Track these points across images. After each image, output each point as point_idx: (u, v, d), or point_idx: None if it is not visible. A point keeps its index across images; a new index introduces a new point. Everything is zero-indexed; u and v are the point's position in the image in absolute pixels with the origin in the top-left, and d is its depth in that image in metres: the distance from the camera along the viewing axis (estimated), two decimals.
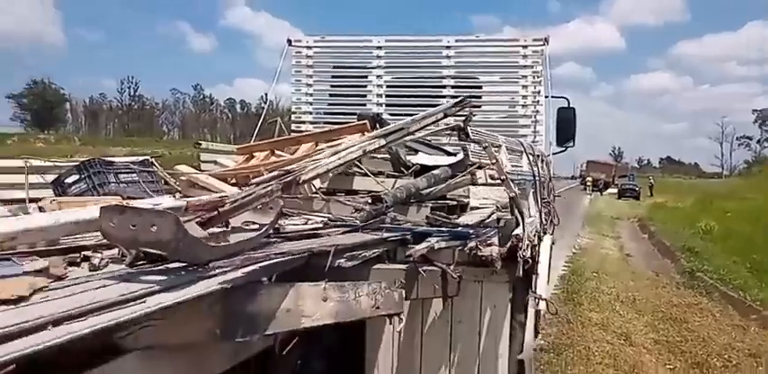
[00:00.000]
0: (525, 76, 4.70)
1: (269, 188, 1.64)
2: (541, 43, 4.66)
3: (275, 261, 1.38)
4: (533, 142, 4.56)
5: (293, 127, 4.99)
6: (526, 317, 2.62)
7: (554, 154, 5.57)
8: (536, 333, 4.86)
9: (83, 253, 1.29)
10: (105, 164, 2.89)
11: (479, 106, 4.88)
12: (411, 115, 3.93)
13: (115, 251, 1.31)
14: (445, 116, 2.05)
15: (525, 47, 4.69)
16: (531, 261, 2.15)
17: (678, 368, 4.72)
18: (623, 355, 4.85)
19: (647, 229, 16.10)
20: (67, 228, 1.19)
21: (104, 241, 1.36)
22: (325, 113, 5.04)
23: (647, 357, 4.92)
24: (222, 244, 1.34)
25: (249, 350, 1.53)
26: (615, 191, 38.88)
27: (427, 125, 2.02)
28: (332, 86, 5.13)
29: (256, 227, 1.66)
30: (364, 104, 4.96)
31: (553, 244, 5.10)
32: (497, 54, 4.80)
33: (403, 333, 1.99)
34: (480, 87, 4.93)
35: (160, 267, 1.22)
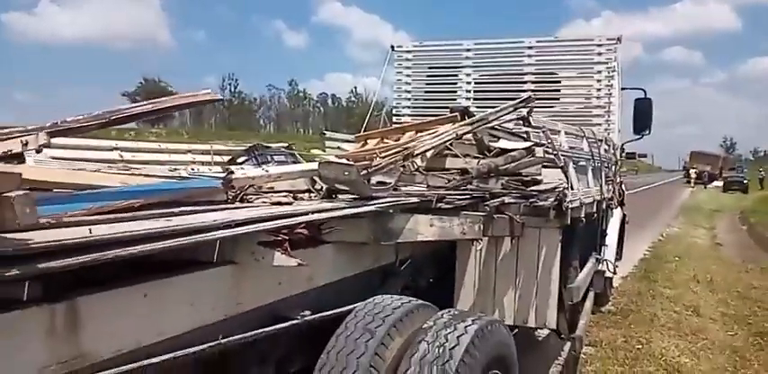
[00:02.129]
0: (600, 72, 5.31)
1: (395, 157, 2.57)
2: (614, 42, 5.24)
3: (403, 200, 2.30)
4: (606, 130, 5.18)
5: (394, 119, 5.93)
6: (579, 270, 3.42)
7: (627, 142, 6.12)
8: (606, 300, 5.52)
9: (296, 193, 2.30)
10: (265, 148, 3.98)
11: (558, 98, 5.56)
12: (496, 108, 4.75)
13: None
14: (515, 109, 2.89)
15: (600, 46, 5.30)
16: (585, 218, 2.93)
17: (740, 335, 5.15)
18: (687, 322, 5.35)
19: (748, 222, 15.55)
20: (303, 173, 2.19)
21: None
22: (422, 107, 5.92)
23: (711, 325, 5.37)
24: (374, 187, 2.29)
25: (388, 256, 2.47)
26: (721, 183, 36.64)
27: (502, 115, 2.86)
28: (427, 84, 6.00)
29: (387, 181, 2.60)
30: (455, 99, 5.78)
31: (626, 220, 5.71)
32: (574, 52, 5.44)
33: (482, 261, 2.86)
34: (559, 82, 5.58)
35: (344, 197, 2.19)
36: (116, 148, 2.95)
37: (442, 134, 2.77)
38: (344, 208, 1.99)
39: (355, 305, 1.94)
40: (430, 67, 5.97)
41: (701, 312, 5.78)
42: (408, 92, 5.90)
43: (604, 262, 4.22)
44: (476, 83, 5.72)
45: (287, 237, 1.62)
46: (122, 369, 1.19)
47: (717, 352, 4.64)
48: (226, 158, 3.94)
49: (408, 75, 5.90)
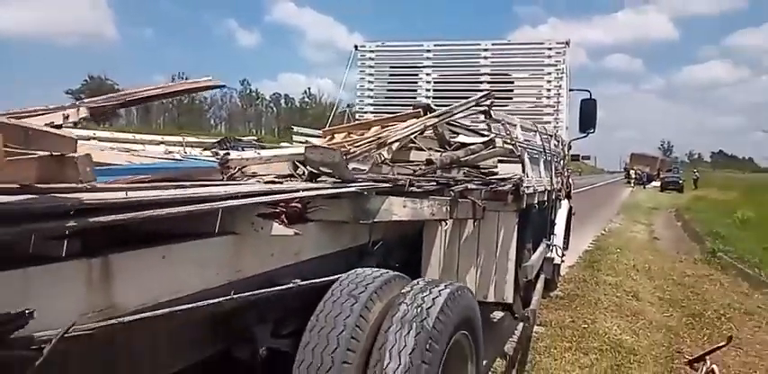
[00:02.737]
0: (549, 73, 5.70)
1: (370, 146, 2.79)
2: (563, 46, 5.65)
3: (375, 184, 2.52)
4: (555, 127, 5.58)
5: (357, 116, 6.15)
6: (533, 251, 3.73)
7: (574, 139, 6.56)
8: (553, 286, 5.91)
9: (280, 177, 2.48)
10: (236, 141, 4.11)
11: (511, 98, 5.92)
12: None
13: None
14: (477, 104, 3.16)
15: (550, 49, 5.70)
16: (538, 205, 3.23)
17: (674, 316, 5.65)
18: (628, 305, 5.82)
19: (682, 218, 16.62)
20: (291, 156, 2.37)
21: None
22: (383, 105, 6.17)
23: (649, 308, 5.87)
24: (353, 171, 2.50)
25: (362, 237, 2.69)
26: (659, 184, 38.77)
27: (464, 109, 3.13)
28: (388, 83, 6.26)
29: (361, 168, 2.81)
30: (415, 97, 6.05)
31: (572, 211, 6.12)
32: (526, 55, 5.82)
33: (447, 242, 3.12)
34: (512, 82, 5.95)
35: (327, 179, 2.39)
36: (94, 138, 3.02)
37: (411, 126, 3.01)
38: (329, 188, 2.20)
39: (339, 275, 2.15)
40: (391, 67, 6.22)
41: (639, 297, 6.29)
42: (371, 90, 6.14)
43: (554, 248, 4.58)
44: (435, 82, 6.02)
45: (284, 210, 1.81)
46: (144, 316, 1.35)
47: (654, 331, 5.09)
48: (198, 150, 4.05)
49: (371, 74, 6.14)
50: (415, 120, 3.92)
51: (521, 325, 4.35)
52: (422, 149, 4.12)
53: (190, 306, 1.46)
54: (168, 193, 1.39)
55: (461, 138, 4.29)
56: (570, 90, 6.46)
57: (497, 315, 4.60)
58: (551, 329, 4.66)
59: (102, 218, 1.16)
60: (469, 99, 3.23)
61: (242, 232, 1.81)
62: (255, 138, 4.40)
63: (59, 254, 1.25)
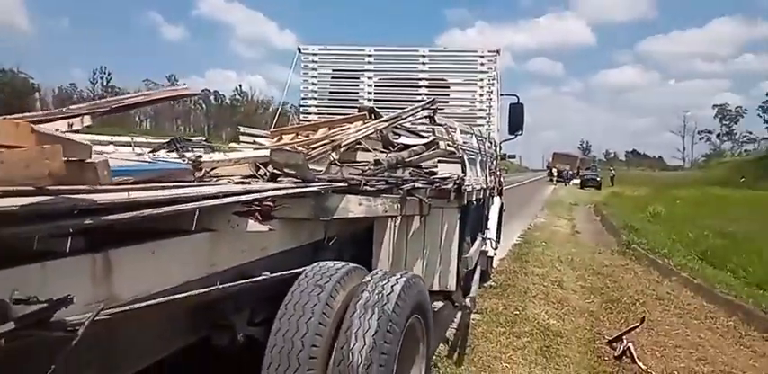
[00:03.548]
0: (482, 79, 6.09)
1: (326, 148, 2.98)
2: (494, 54, 6.06)
3: (333, 184, 2.72)
4: (488, 130, 5.97)
5: (301, 116, 6.29)
6: (472, 244, 4.05)
7: (504, 140, 7.02)
8: (487, 277, 6.33)
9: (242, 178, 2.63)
10: (186, 141, 4.17)
11: (447, 102, 6.26)
12: (394, 108, 5.30)
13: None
14: (422, 109, 3.43)
15: (482, 56, 6.08)
16: (476, 202, 3.53)
17: (595, 302, 6.22)
18: (554, 294, 6.34)
19: (600, 213, 17.86)
20: (257, 158, 2.52)
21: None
22: (327, 106, 6.34)
23: (572, 296, 6.41)
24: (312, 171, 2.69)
25: (318, 233, 2.88)
26: (579, 181, 41.15)
27: (412, 114, 3.39)
28: (331, 85, 6.43)
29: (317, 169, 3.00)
30: (357, 100, 6.26)
31: (503, 207, 6.56)
32: (461, 61, 6.18)
33: (396, 237, 3.37)
34: (448, 87, 6.29)
35: (288, 179, 2.56)
36: None
37: (364, 129, 3.23)
38: (294, 187, 2.38)
39: (304, 268, 2.33)
40: (334, 70, 6.40)
41: (564, 285, 6.84)
42: (315, 91, 6.29)
43: (488, 241, 4.95)
44: (376, 85, 6.26)
45: (258, 208, 1.98)
46: (140, 306, 1.50)
47: (577, 316, 5.60)
48: (146, 150, 4.07)
49: (314, 77, 6.29)
50: (362, 124, 4.14)
51: (459, 313, 4.70)
52: (367, 150, 4.35)
53: (180, 295, 1.61)
54: (160, 194, 1.54)
55: (403, 140, 4.55)
56: (501, 95, 6.90)
57: (438, 304, 4.91)
58: (486, 316, 5.03)
59: (111, 217, 1.30)
60: (417, 104, 3.50)
61: (219, 229, 1.96)
62: (203, 138, 4.46)
63: (65, 250, 1.38)
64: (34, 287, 1.24)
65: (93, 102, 1.72)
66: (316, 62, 6.27)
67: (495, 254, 5.79)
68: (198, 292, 1.64)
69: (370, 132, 3.24)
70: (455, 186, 3.25)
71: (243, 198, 1.90)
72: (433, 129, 3.56)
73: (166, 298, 1.49)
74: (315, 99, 6.29)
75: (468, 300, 3.82)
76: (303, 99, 6.29)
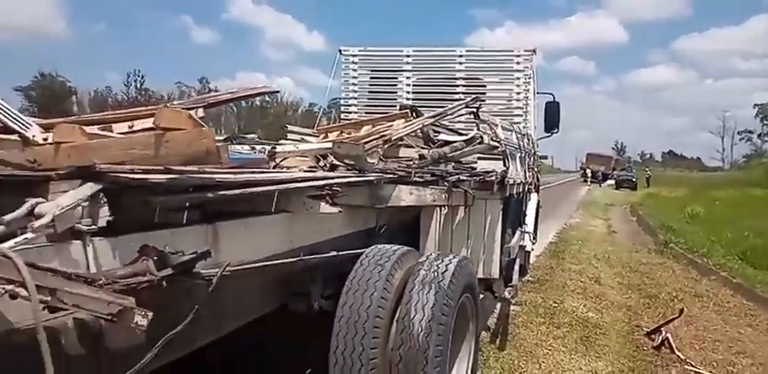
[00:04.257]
0: (518, 78, 6.24)
1: (377, 142, 3.22)
2: (531, 53, 6.21)
3: (386, 175, 2.95)
4: (524, 127, 6.11)
5: (342, 116, 6.55)
6: (513, 235, 4.22)
7: (540, 138, 7.13)
8: (525, 271, 6.46)
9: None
10: (242, 138, 4.45)
11: (484, 100, 6.43)
12: (432, 107, 5.51)
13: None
14: (466, 106, 3.63)
15: (519, 56, 6.24)
16: (516, 196, 3.70)
17: (632, 298, 6.28)
18: (591, 289, 6.43)
19: (637, 213, 17.65)
20: (321, 150, 2.77)
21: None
22: (366, 105, 6.59)
23: (610, 291, 6.49)
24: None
25: (371, 221, 3.10)
26: (614, 182, 40.50)
27: (455, 111, 3.60)
28: (370, 85, 6.67)
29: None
30: (395, 99, 6.49)
31: (540, 204, 6.70)
32: (497, 61, 6.35)
33: (441, 227, 3.57)
34: (484, 86, 6.46)
35: (349, 169, 2.80)
36: None
37: (410, 125, 3.45)
38: (353, 176, 2.61)
39: (363, 249, 2.56)
40: (373, 70, 6.65)
41: (601, 282, 6.91)
42: (355, 91, 6.54)
43: (526, 235, 5.09)
44: (414, 85, 6.48)
45: (329, 192, 2.22)
46: (241, 267, 1.74)
47: (615, 310, 5.69)
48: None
49: (354, 77, 6.54)
50: (405, 121, 4.37)
51: (499, 304, 4.87)
52: (410, 146, 4.57)
53: (273, 262, 1.86)
54: (258, 176, 1.79)
55: (443, 136, 4.76)
56: (537, 93, 7.03)
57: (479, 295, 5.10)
58: (526, 307, 5.18)
59: (228, 192, 1.55)
60: (460, 102, 3.70)
61: (295, 210, 2.20)
62: (256, 135, 4.75)
63: (182, 220, 1.63)
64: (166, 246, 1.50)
65: (195, 97, 1.99)
66: (356, 63, 6.52)
67: (532, 249, 5.93)
68: (287, 261, 1.88)
69: (417, 128, 3.46)
70: (498, 178, 3.44)
71: (317, 183, 2.14)
72: (476, 124, 3.75)
73: (263, 264, 1.73)
74: (355, 98, 6.54)
75: (507, 291, 3.99)
76: (344, 99, 6.55)
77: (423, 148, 4.57)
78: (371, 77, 6.66)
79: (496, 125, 3.95)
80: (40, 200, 1.17)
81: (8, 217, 1.09)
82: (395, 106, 6.38)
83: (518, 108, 6.25)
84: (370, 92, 6.68)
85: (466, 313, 2.70)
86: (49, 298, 0.93)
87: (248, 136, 4.92)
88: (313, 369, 3.05)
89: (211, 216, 1.73)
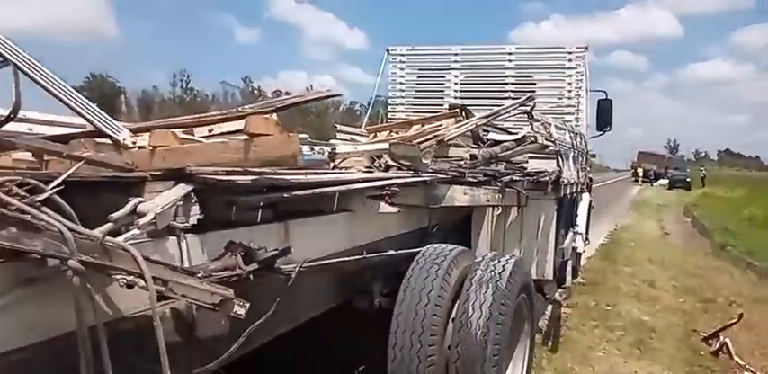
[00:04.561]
0: (570, 75, 6.14)
1: (431, 143, 3.26)
2: (583, 50, 6.10)
3: (439, 175, 2.98)
4: (576, 126, 6.02)
5: (389, 115, 6.62)
6: (566, 236, 4.18)
7: (593, 137, 6.99)
8: (576, 273, 6.36)
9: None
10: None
11: (534, 98, 6.37)
12: (480, 105, 5.50)
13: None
14: (521, 105, 3.62)
15: (570, 53, 6.14)
16: (570, 196, 3.67)
17: (688, 302, 6.10)
18: (645, 292, 6.27)
19: (691, 214, 17.01)
20: (378, 151, 2.85)
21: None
22: (413, 105, 6.63)
23: (665, 295, 6.32)
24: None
25: (424, 221, 3.15)
26: (666, 182, 39.10)
27: (511, 110, 3.59)
28: (417, 84, 6.71)
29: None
30: (442, 98, 6.50)
31: (591, 205, 6.59)
32: (548, 58, 6.27)
33: (494, 227, 3.58)
34: (534, 83, 6.39)
35: (404, 170, 2.85)
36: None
37: (463, 125, 3.47)
38: (410, 177, 2.67)
39: (419, 249, 2.61)
40: (420, 69, 6.68)
41: (655, 285, 6.73)
42: (402, 90, 6.59)
43: (578, 237, 5.02)
44: (462, 83, 6.47)
45: (389, 192, 2.28)
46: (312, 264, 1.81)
47: (670, 314, 5.54)
48: None
49: (402, 76, 6.59)
50: (454, 121, 4.38)
51: (550, 306, 4.83)
52: (459, 146, 4.58)
53: (343, 259, 1.94)
54: (326, 177, 1.87)
55: (492, 136, 4.75)
56: (589, 91, 6.89)
57: None
58: (578, 310, 5.11)
59: (300, 192, 1.63)
60: (514, 101, 3.70)
61: (356, 210, 2.27)
62: (308, 135, 4.86)
63: (257, 218, 1.72)
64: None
65: (262, 102, 2.08)
66: (403, 62, 6.57)
67: (583, 251, 5.85)
68: (355, 258, 1.96)
69: (470, 128, 3.48)
70: (553, 179, 3.42)
71: (377, 184, 2.21)
72: (530, 124, 3.74)
73: (334, 261, 1.81)
74: (402, 98, 6.58)
75: (559, 293, 3.96)
76: (391, 98, 6.61)
77: (472, 148, 4.58)
78: (418, 76, 6.69)
79: (550, 124, 3.93)
80: (142, 199, 1.27)
81: (115, 215, 1.19)
82: (441, 105, 6.40)
83: (569, 106, 6.15)
84: (416, 91, 6.71)
85: (522, 313, 2.71)
86: (162, 289, 1.02)
87: (300, 136, 5.05)
88: (366, 366, 3.12)
89: (282, 215, 1.81)
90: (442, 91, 6.56)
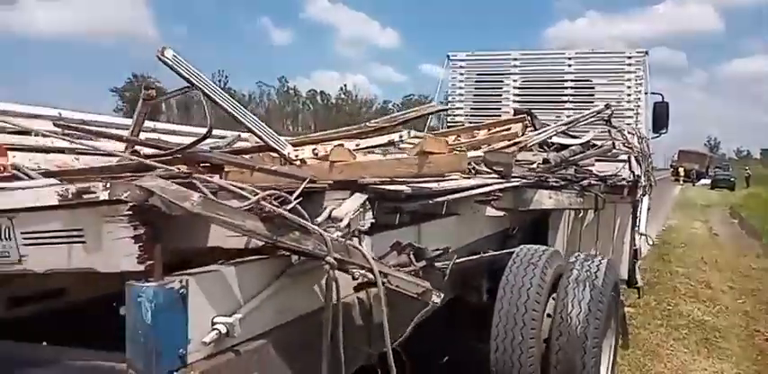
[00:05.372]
0: (629, 79, 6.23)
1: (511, 150, 3.45)
2: (642, 54, 6.18)
3: (522, 180, 3.17)
4: (636, 129, 6.10)
5: (448, 119, 6.82)
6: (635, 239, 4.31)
7: (650, 139, 7.04)
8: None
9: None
10: None
11: (592, 102, 6.47)
12: (538, 109, 5.62)
13: None
14: (598, 113, 3.79)
15: (630, 57, 6.23)
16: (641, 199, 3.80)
17: (748, 303, 6.12)
18: (703, 293, 6.32)
19: (738, 215, 16.67)
20: (473, 158, 3.07)
21: None
22: (471, 109, 6.82)
23: (723, 296, 6.35)
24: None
25: (505, 224, 3.35)
26: (709, 181, 38.14)
27: (589, 117, 3.76)
28: (476, 88, 6.89)
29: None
30: (500, 101, 6.67)
31: (649, 207, 6.65)
32: (607, 62, 6.36)
33: (569, 229, 3.75)
34: (593, 88, 6.49)
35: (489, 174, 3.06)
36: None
37: (546, 130, 3.65)
38: (507, 182, 2.87)
39: (513, 249, 2.82)
40: (479, 74, 6.86)
41: (712, 286, 6.76)
42: (461, 95, 6.78)
43: (643, 238, 5.14)
44: (520, 88, 6.62)
45: (495, 197, 2.49)
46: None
47: (731, 314, 5.59)
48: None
49: (461, 81, 6.78)
50: (522, 126, 4.56)
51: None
52: (528, 149, 4.74)
53: (473, 257, 2.17)
54: (453, 184, 2.10)
55: (557, 139, 4.90)
56: (646, 93, 6.95)
57: None
58: (641, 309, 5.23)
59: (440, 198, 1.87)
60: (592, 109, 3.86)
61: (463, 213, 2.50)
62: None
63: (396, 221, 1.96)
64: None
65: (386, 117, 2.33)
66: (463, 67, 6.76)
67: (650, 246, 5.96)
68: (483, 256, 2.21)
69: (552, 134, 3.66)
70: (631, 183, 3.57)
71: (485, 189, 2.42)
72: (609, 131, 3.89)
73: (468, 258, 2.05)
74: (461, 102, 6.78)
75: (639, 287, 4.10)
76: (450, 102, 6.80)
77: (539, 152, 4.75)
78: (476, 81, 6.87)
79: (631, 133, 4.06)
80: (334, 206, 1.52)
81: (319, 219, 1.44)
82: (499, 109, 6.58)
83: (628, 109, 6.24)
84: (475, 95, 6.89)
85: (611, 310, 2.89)
86: (384, 280, 1.26)
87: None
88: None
89: (415, 218, 2.06)
90: (500, 96, 6.73)
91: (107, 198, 0.95)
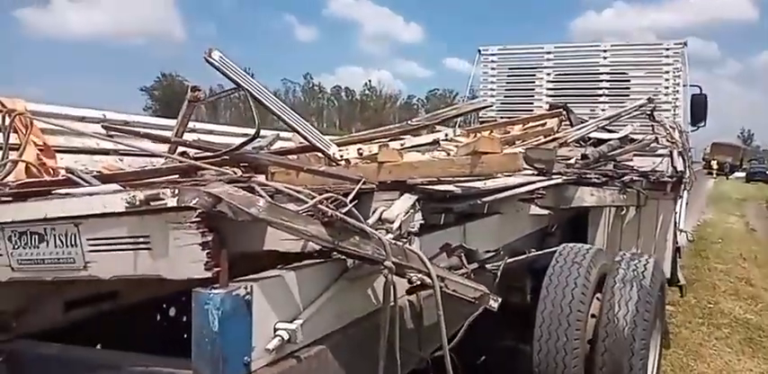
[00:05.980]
0: (667, 72, 6.05)
1: (551, 145, 3.38)
2: (681, 46, 5.99)
3: (563, 177, 3.10)
4: (674, 122, 5.94)
5: (480, 115, 6.73)
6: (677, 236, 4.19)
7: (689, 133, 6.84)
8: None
9: None
10: None
11: (628, 95, 6.31)
12: (572, 103, 5.48)
13: None
14: (640, 107, 3.69)
15: (668, 49, 6.04)
16: (683, 195, 3.69)
17: None
18: (744, 290, 6.13)
19: None
20: None
21: None
22: (503, 103, 6.72)
23: (765, 293, 6.14)
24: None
25: (544, 221, 3.28)
26: (743, 174, 37.01)
27: (631, 111, 3.66)
28: (507, 83, 6.78)
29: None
30: (533, 96, 6.55)
31: (687, 202, 6.47)
32: (644, 55, 6.19)
33: (610, 226, 3.67)
34: (629, 80, 6.32)
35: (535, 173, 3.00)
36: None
37: (587, 126, 3.57)
38: (549, 179, 2.81)
39: (555, 248, 2.76)
40: (510, 68, 6.74)
41: (753, 283, 6.55)
42: (493, 90, 6.68)
43: (682, 234, 5.01)
44: (553, 82, 6.49)
45: (539, 196, 2.44)
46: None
47: None
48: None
49: (493, 76, 6.68)
50: (558, 121, 4.47)
51: None
52: (565, 144, 4.65)
53: (517, 258, 2.13)
54: (499, 183, 2.06)
55: (594, 134, 4.79)
56: (684, 85, 6.74)
57: None
58: (681, 307, 5.10)
59: (487, 198, 1.83)
60: (635, 103, 3.76)
61: (506, 212, 2.46)
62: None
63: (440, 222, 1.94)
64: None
65: (427, 115, 2.30)
66: (494, 62, 6.65)
67: (690, 242, 5.81)
68: (528, 256, 2.17)
69: (592, 130, 3.57)
70: (675, 179, 3.47)
71: (528, 188, 2.37)
72: (652, 126, 3.79)
73: (513, 259, 2.01)
74: (493, 97, 6.68)
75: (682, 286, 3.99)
76: (482, 97, 6.70)
77: (576, 147, 4.65)
78: (509, 75, 6.76)
79: (672, 127, 3.95)
80: (384, 208, 1.50)
81: (370, 220, 1.43)
82: (532, 103, 6.47)
83: (666, 102, 6.06)
84: (507, 90, 6.79)
85: (658, 311, 2.82)
86: (442, 284, 1.24)
87: None
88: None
89: (459, 218, 2.03)
90: (533, 90, 6.61)
91: (175, 205, 0.94)
